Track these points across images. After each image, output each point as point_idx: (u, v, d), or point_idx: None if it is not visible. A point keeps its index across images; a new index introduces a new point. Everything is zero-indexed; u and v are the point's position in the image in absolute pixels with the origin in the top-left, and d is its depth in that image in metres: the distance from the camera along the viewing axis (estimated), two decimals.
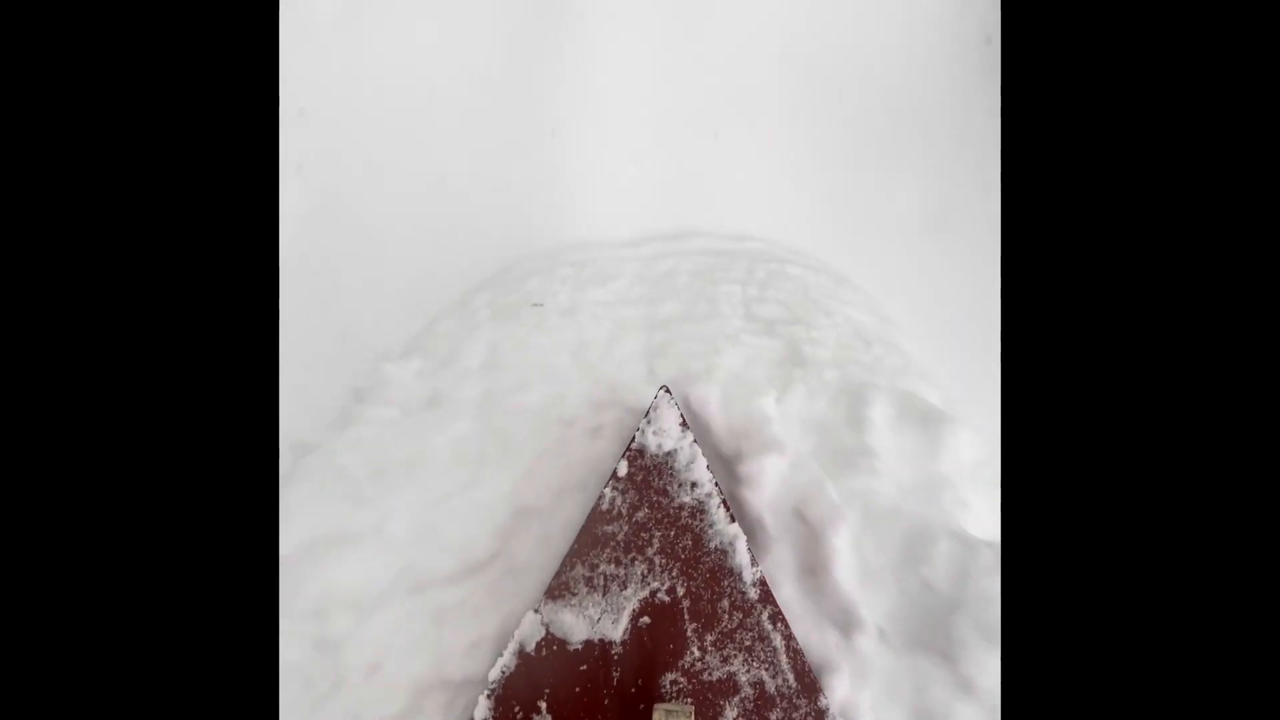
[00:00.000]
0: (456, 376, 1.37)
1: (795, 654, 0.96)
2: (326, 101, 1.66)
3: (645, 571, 1.02)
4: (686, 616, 0.99)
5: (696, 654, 0.97)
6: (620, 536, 1.04)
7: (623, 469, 1.08)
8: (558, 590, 1.00)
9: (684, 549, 1.03)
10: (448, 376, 1.37)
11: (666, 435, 1.10)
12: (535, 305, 1.46)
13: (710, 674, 0.96)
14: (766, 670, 0.96)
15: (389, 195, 1.69)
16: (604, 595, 1.00)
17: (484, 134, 1.80)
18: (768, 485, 1.13)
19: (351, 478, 1.20)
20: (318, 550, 1.09)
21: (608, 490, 1.07)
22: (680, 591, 1.00)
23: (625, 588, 1.01)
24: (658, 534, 1.04)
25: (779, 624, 0.98)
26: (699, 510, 1.05)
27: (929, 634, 1.02)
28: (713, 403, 1.21)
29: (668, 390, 1.16)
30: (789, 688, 0.95)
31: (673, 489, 1.07)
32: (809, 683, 0.95)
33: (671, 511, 1.05)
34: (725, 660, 0.96)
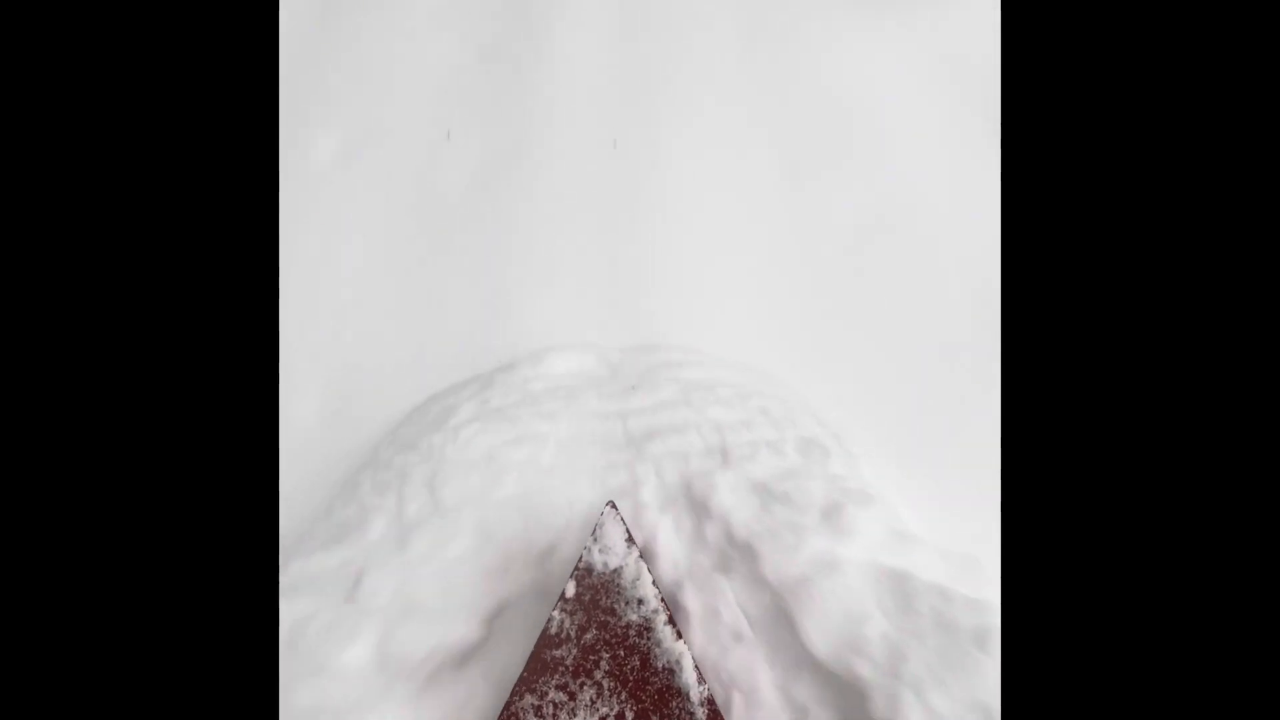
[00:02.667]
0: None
1: None
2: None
3: (594, 696, 1.02)
4: None
5: None
6: (569, 661, 1.04)
7: (571, 589, 1.10)
8: None
9: (632, 670, 1.04)
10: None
11: (612, 552, 1.14)
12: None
13: None
14: None
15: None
16: None
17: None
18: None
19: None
20: None
21: (556, 613, 1.08)
22: (629, 716, 1.00)
23: (575, 715, 1.00)
24: (606, 655, 1.05)
25: None
26: (646, 628, 1.07)
27: None
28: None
29: (614, 505, 1.20)
30: None
31: (620, 607, 1.09)
32: None
33: (619, 631, 1.07)
34: None
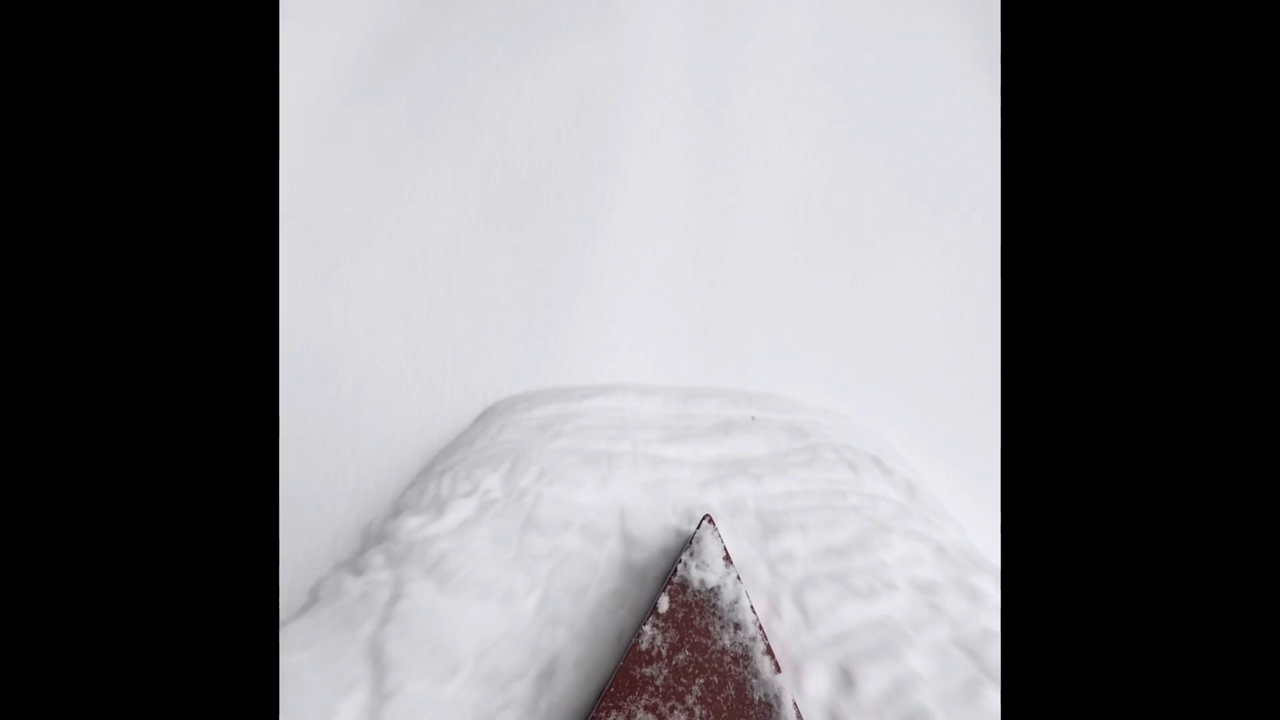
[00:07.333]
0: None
1: None
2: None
3: None
4: None
5: None
6: (659, 681, 0.98)
7: (664, 604, 1.04)
8: None
9: (726, 700, 0.97)
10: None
11: (710, 569, 1.07)
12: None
13: None
14: None
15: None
16: None
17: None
18: None
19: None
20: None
21: (647, 628, 1.02)
22: None
23: None
24: (699, 680, 0.98)
25: None
26: (743, 657, 1.00)
27: None
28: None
29: (711, 520, 1.13)
30: None
31: (715, 629, 1.02)
32: None
33: (714, 656, 1.00)
34: None
